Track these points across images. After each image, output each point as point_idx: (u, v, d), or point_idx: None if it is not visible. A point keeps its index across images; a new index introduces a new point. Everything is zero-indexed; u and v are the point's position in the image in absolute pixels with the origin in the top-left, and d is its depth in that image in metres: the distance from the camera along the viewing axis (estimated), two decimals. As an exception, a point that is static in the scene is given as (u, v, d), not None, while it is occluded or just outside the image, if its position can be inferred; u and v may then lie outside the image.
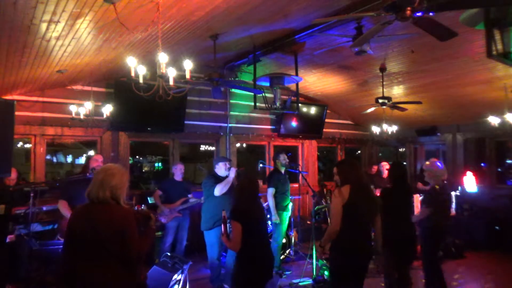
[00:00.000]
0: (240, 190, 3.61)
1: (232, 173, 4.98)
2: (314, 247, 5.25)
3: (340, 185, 3.52)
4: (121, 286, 2.40)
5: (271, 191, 5.77)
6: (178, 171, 6.03)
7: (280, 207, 5.82)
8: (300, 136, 8.66)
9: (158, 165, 15.72)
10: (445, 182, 4.56)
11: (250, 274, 3.40)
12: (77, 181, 4.49)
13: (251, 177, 3.80)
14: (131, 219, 2.43)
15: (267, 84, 5.97)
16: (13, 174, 5.60)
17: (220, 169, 5.17)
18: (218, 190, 4.90)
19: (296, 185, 7.97)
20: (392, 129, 7.56)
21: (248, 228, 3.36)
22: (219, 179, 5.05)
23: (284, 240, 6.27)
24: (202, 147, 12.71)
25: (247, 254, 3.38)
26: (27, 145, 7.31)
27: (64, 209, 4.39)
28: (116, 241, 2.33)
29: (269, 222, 6.45)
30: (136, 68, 3.02)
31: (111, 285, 2.36)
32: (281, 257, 6.20)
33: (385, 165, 7.89)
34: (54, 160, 13.63)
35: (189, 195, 6.06)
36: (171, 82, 3.20)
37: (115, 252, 2.34)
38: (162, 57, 3.03)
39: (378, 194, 4.48)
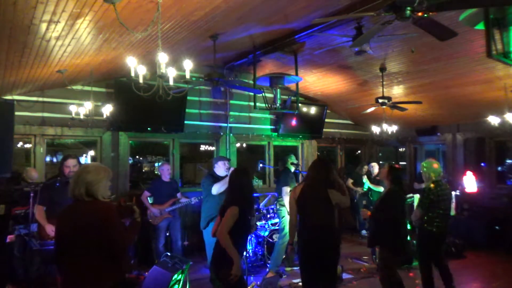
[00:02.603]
0: (232, 186, 3.66)
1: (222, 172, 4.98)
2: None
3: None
4: (106, 279, 2.43)
5: (286, 189, 5.76)
6: (165, 172, 6.02)
7: (283, 204, 5.86)
8: (300, 136, 8.66)
9: (158, 165, 15.69)
10: (443, 180, 4.54)
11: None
12: (54, 185, 4.36)
13: (242, 168, 3.90)
14: (112, 213, 2.46)
15: (267, 84, 5.97)
16: (35, 174, 5.65)
17: (220, 168, 5.16)
18: (216, 189, 4.92)
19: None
20: (392, 129, 7.56)
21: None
22: (217, 179, 5.05)
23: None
24: (202, 147, 12.67)
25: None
26: (27, 145, 7.31)
27: (39, 215, 4.24)
28: (99, 236, 2.37)
29: (270, 222, 6.46)
30: (136, 68, 3.02)
31: (97, 279, 2.40)
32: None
33: (375, 166, 7.96)
34: (54, 160, 13.62)
35: (178, 195, 6.05)
36: (171, 82, 3.20)
37: (99, 247, 2.38)
38: (162, 57, 3.03)
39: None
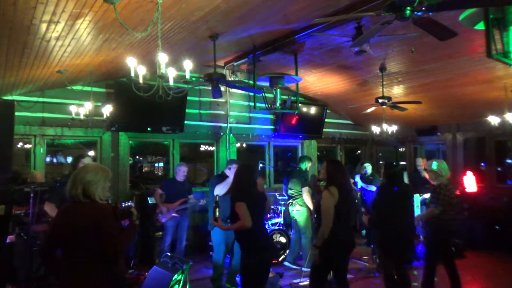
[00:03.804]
0: (236, 176, 3.79)
1: (232, 176, 4.96)
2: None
3: (325, 184, 3.87)
4: (100, 281, 2.41)
5: (307, 189, 5.97)
6: (180, 172, 6.03)
7: (303, 204, 6.03)
8: (300, 136, 8.66)
9: (159, 165, 15.72)
10: (448, 180, 4.56)
11: (260, 260, 3.55)
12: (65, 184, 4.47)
13: (248, 164, 3.96)
14: (107, 215, 2.43)
15: (267, 84, 5.97)
16: (40, 176, 5.68)
17: (229, 171, 5.18)
18: (218, 190, 4.92)
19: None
20: (392, 129, 7.56)
21: (251, 208, 3.51)
22: (224, 179, 5.06)
23: (284, 240, 6.28)
24: (202, 147, 12.69)
25: (254, 236, 3.55)
26: (27, 146, 7.31)
27: (52, 211, 4.35)
28: (93, 237, 2.35)
29: (270, 222, 6.47)
30: (136, 68, 3.02)
31: (91, 281, 2.38)
32: (281, 257, 6.21)
33: (368, 166, 7.94)
34: (54, 160, 13.62)
35: (190, 196, 6.06)
36: (171, 82, 3.20)
37: (93, 249, 2.36)
38: (162, 57, 3.03)
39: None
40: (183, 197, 5.94)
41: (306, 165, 6.33)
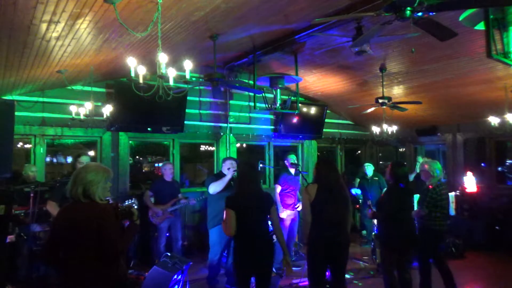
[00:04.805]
0: (239, 176, 3.77)
1: (229, 175, 4.97)
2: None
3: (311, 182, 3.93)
4: (101, 282, 2.40)
5: (276, 188, 6.09)
6: (168, 171, 6.02)
7: (283, 205, 6.04)
8: (300, 136, 8.66)
9: (159, 165, 15.70)
10: (441, 181, 4.57)
11: (238, 262, 3.56)
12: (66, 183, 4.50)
13: (250, 163, 3.91)
14: (108, 215, 2.42)
15: (267, 84, 5.97)
16: (34, 168, 5.77)
17: (224, 168, 5.20)
18: (212, 189, 4.93)
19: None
20: (392, 129, 7.55)
21: (240, 216, 3.48)
22: (219, 178, 5.07)
23: (283, 240, 6.27)
24: (202, 147, 12.67)
25: (237, 242, 3.57)
26: (27, 145, 7.31)
27: (53, 210, 4.36)
28: (93, 238, 2.34)
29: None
30: (136, 68, 3.02)
31: (91, 281, 2.37)
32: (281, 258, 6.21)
33: (369, 166, 7.91)
34: (54, 160, 13.61)
35: (179, 195, 6.05)
36: (171, 82, 3.20)
37: (94, 249, 2.35)
38: (162, 57, 3.03)
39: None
40: (174, 197, 5.94)
41: (291, 163, 6.22)
